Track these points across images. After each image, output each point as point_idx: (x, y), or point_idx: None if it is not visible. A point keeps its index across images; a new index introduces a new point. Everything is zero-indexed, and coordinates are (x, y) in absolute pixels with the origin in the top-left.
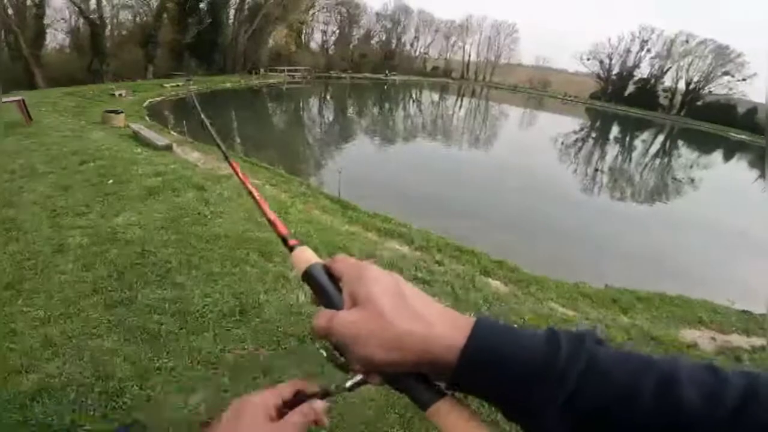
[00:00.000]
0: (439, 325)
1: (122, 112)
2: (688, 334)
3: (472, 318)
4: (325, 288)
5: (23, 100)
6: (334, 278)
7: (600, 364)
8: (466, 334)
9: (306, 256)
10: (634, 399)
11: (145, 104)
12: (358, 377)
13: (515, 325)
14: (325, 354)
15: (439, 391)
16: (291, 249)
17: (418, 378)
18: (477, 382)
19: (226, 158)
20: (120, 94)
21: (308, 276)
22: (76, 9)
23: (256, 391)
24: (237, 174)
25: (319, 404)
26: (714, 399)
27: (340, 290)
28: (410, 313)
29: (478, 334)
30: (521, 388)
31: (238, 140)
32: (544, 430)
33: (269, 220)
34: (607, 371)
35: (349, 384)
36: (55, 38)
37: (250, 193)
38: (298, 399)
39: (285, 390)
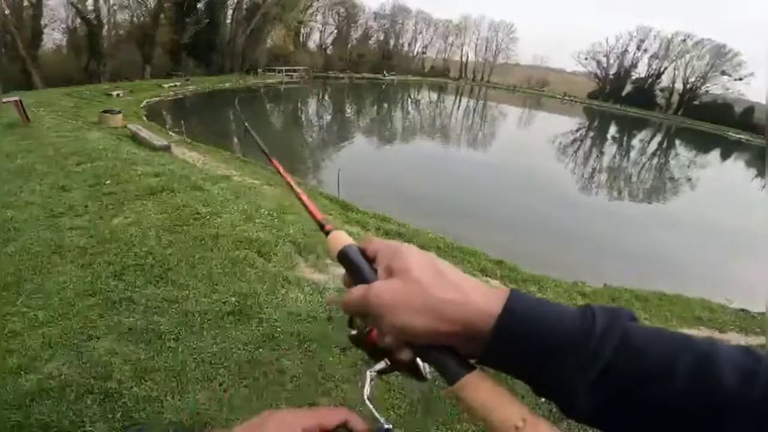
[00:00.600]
0: (475, 294)
1: (120, 112)
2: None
3: (507, 290)
4: (359, 266)
5: (20, 101)
6: (368, 259)
7: (635, 340)
8: (501, 304)
9: (341, 238)
10: (669, 377)
11: (142, 104)
12: (384, 364)
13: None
14: (355, 333)
15: (469, 365)
16: (327, 233)
17: (449, 351)
18: (511, 352)
19: (269, 158)
20: (117, 95)
21: (343, 256)
22: (74, 9)
23: (294, 409)
24: (280, 172)
25: None
26: (750, 379)
27: (375, 271)
28: (447, 283)
29: (513, 304)
30: (553, 360)
31: (235, 140)
32: (574, 406)
33: (306, 207)
34: (643, 347)
35: (378, 368)
36: (52, 38)
37: (289, 184)
38: (339, 430)
39: (327, 416)
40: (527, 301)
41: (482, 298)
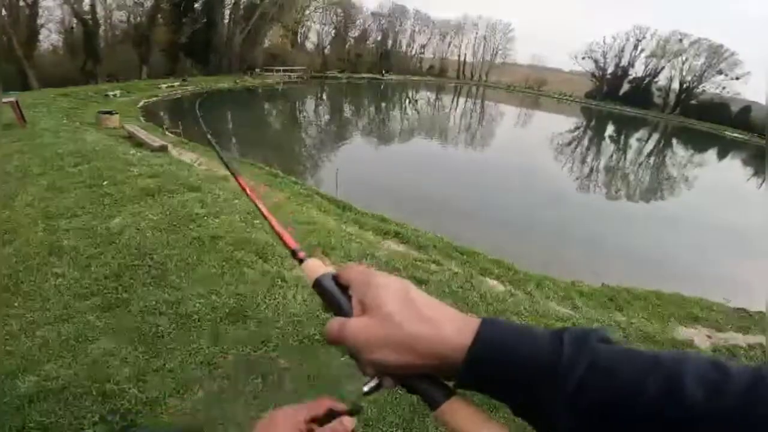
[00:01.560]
0: (448, 326)
1: (117, 113)
2: (685, 332)
3: (478, 320)
4: (334, 297)
5: (17, 101)
6: (344, 287)
7: (603, 362)
8: (472, 335)
9: (315, 267)
10: (638, 395)
11: (139, 105)
12: (374, 382)
13: (521, 324)
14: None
15: (448, 391)
16: (300, 261)
17: (428, 378)
18: (483, 380)
19: (233, 175)
20: (114, 95)
21: (318, 286)
22: (70, 9)
23: (289, 405)
24: (245, 191)
25: (348, 421)
26: (717, 393)
27: (349, 297)
28: (418, 316)
29: (484, 334)
30: (525, 386)
31: (234, 140)
32: (550, 426)
33: (278, 235)
34: (611, 368)
35: (366, 389)
36: (49, 39)
37: (259, 209)
38: (327, 416)
39: (315, 407)
40: (498, 329)
41: (454, 329)
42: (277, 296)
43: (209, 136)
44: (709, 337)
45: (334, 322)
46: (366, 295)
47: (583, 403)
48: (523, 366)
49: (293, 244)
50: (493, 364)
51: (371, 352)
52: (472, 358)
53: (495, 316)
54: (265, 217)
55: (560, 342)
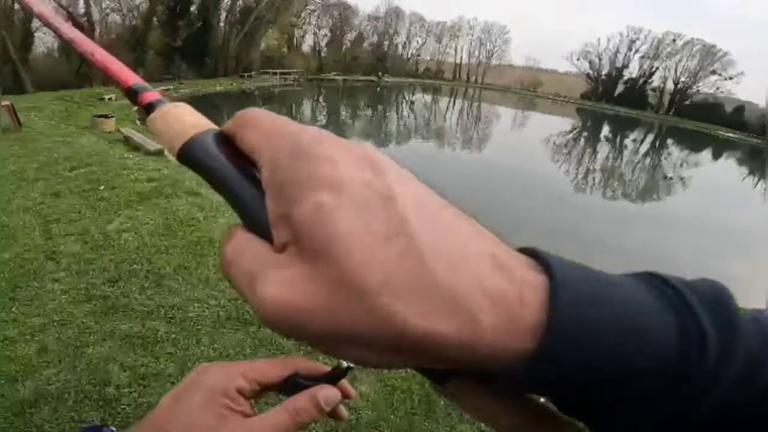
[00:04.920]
0: (488, 311)
1: (112, 116)
2: None
3: (542, 280)
4: (228, 186)
5: (12, 105)
6: (244, 160)
7: (755, 353)
8: (536, 330)
9: (182, 120)
10: None
11: (135, 108)
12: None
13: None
14: None
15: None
16: (148, 109)
17: None
18: (552, 386)
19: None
20: (109, 98)
21: (189, 158)
22: (65, 12)
23: (219, 363)
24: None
25: (327, 393)
26: None
27: (257, 184)
28: (426, 281)
29: (563, 329)
30: (631, 398)
31: None
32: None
33: (105, 68)
34: (761, 360)
35: (346, 364)
36: (44, 42)
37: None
38: (293, 383)
39: (268, 368)
40: (586, 307)
41: (501, 318)
42: None
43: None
44: None
45: (236, 255)
46: (299, 202)
47: (724, 405)
48: (634, 368)
49: (131, 78)
50: (577, 367)
51: (330, 346)
52: (541, 365)
53: (559, 260)
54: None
55: (695, 321)
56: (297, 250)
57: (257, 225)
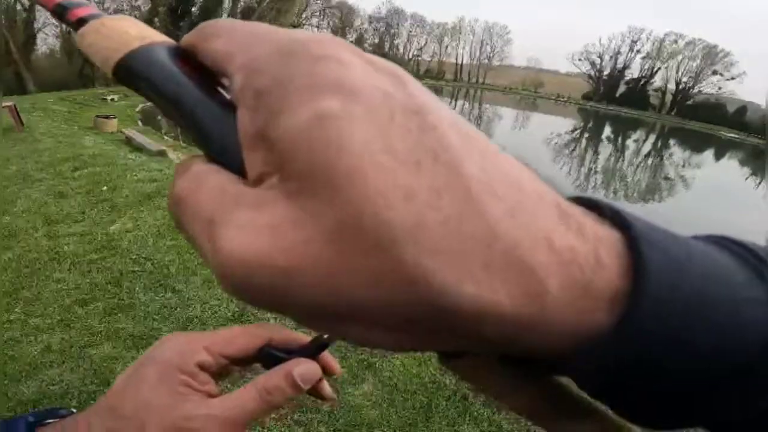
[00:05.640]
0: (558, 275)
1: (115, 117)
2: None
3: (617, 237)
4: (183, 104)
5: (15, 106)
6: (208, 79)
7: None
8: (616, 299)
9: (123, 32)
10: None
11: (137, 109)
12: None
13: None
14: None
15: None
16: (77, 24)
17: None
18: (626, 388)
19: None
20: (112, 99)
21: (132, 73)
22: None
23: (181, 333)
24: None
25: (305, 370)
26: None
27: (223, 102)
28: (476, 228)
29: (655, 298)
30: (715, 392)
31: None
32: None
33: None
34: None
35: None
36: (46, 42)
37: None
38: (266, 355)
39: (236, 338)
40: (672, 270)
41: (573, 283)
42: None
43: None
44: None
45: (188, 190)
46: (288, 111)
47: None
48: (723, 349)
49: None
50: (664, 346)
51: (322, 321)
52: (622, 344)
53: (631, 214)
54: None
55: None
56: (280, 181)
57: (223, 152)
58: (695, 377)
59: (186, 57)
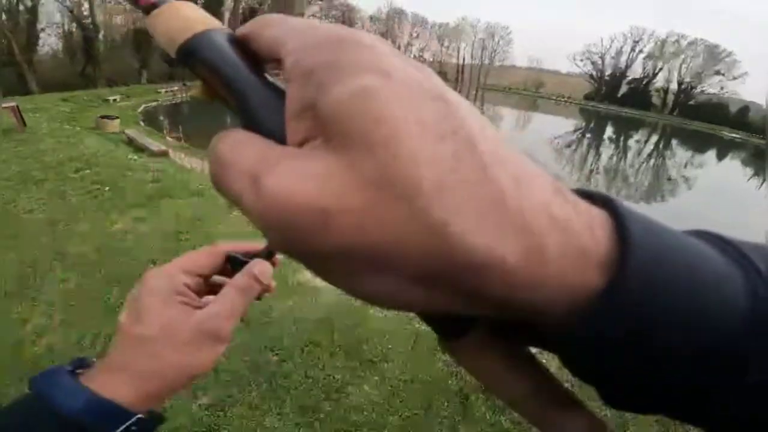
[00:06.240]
0: (556, 237)
1: (117, 117)
2: None
3: (606, 216)
4: (236, 84)
5: (17, 106)
6: (260, 65)
7: None
8: (607, 265)
9: (188, 17)
10: None
11: (139, 109)
12: None
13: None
14: None
15: (471, 317)
16: (149, 9)
17: None
18: (606, 360)
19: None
20: (114, 100)
21: (193, 55)
22: (69, 14)
23: (156, 269)
24: None
25: (262, 266)
26: None
27: (273, 87)
28: (487, 190)
29: (639, 266)
30: (698, 371)
31: None
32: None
33: None
34: None
35: None
36: (48, 43)
37: None
38: (231, 264)
39: (202, 258)
40: (654, 244)
41: (569, 255)
42: (287, 299)
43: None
44: None
45: (233, 154)
46: (335, 84)
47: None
48: (707, 323)
49: None
50: (649, 315)
51: (345, 267)
52: (611, 307)
53: (620, 201)
54: None
55: (761, 278)
56: (323, 142)
57: (268, 127)
58: (680, 345)
59: (240, 44)
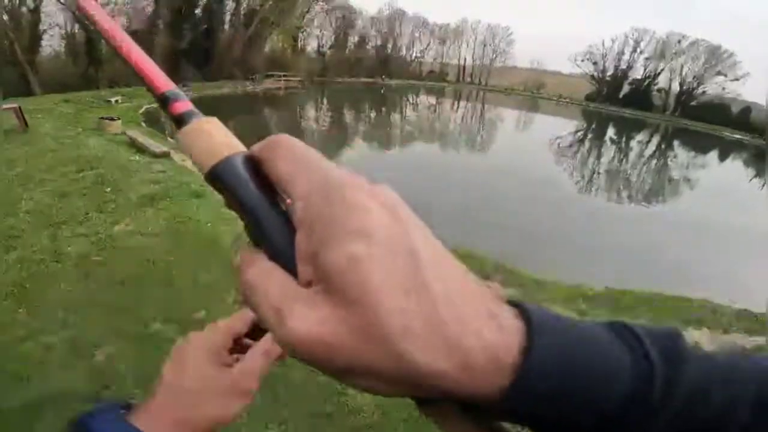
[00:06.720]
0: (480, 355)
1: (118, 118)
2: (690, 335)
3: (521, 327)
4: (256, 214)
5: (19, 107)
6: (270, 186)
7: (700, 383)
8: (514, 369)
9: (212, 138)
10: (729, 424)
11: (141, 111)
12: None
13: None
14: None
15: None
16: (180, 121)
17: None
18: (529, 417)
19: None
20: (116, 101)
21: (219, 181)
22: (71, 15)
23: (201, 332)
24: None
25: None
26: None
27: (282, 214)
28: (436, 326)
29: (533, 369)
30: (593, 426)
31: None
32: None
33: (140, 71)
34: (706, 391)
35: None
36: (51, 44)
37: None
38: (257, 330)
39: (238, 324)
40: (555, 347)
41: (487, 354)
42: None
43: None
44: (714, 339)
45: (259, 283)
46: (332, 247)
47: None
48: (593, 401)
49: (165, 85)
50: (549, 402)
51: (347, 376)
52: (522, 398)
53: (539, 311)
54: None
55: (646, 359)
56: (325, 290)
57: (282, 256)
58: (574, 419)
59: (255, 165)
